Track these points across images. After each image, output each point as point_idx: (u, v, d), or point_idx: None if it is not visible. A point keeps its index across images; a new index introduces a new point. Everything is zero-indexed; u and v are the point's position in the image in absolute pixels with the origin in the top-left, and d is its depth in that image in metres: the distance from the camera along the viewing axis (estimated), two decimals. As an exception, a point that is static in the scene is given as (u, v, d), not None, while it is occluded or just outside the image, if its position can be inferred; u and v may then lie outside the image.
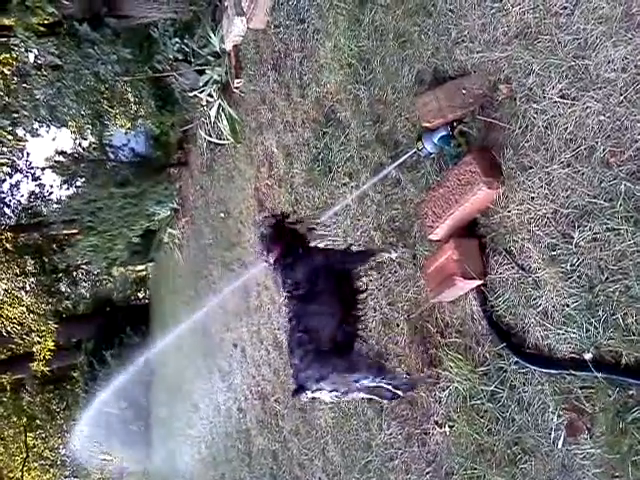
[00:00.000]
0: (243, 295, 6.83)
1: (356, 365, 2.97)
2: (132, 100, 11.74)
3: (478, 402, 2.65)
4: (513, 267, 2.50)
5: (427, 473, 3.01)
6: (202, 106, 8.00)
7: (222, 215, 8.14)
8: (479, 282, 2.66)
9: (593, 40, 2.14)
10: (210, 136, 8.05)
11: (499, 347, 2.55)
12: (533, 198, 2.39)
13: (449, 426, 2.83)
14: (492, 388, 2.57)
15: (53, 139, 13.30)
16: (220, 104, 7.23)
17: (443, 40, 2.98)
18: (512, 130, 2.48)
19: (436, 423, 2.96)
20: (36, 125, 11.66)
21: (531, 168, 2.40)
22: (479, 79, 2.69)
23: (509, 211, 2.50)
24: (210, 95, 7.63)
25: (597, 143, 2.12)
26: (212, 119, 7.63)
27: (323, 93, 4.37)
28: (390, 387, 3.07)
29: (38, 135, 12.85)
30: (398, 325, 3.42)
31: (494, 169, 2.56)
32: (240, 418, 7.01)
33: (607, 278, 2.05)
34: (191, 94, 8.15)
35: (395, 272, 3.47)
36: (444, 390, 2.92)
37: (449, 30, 2.93)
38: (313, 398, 3.00)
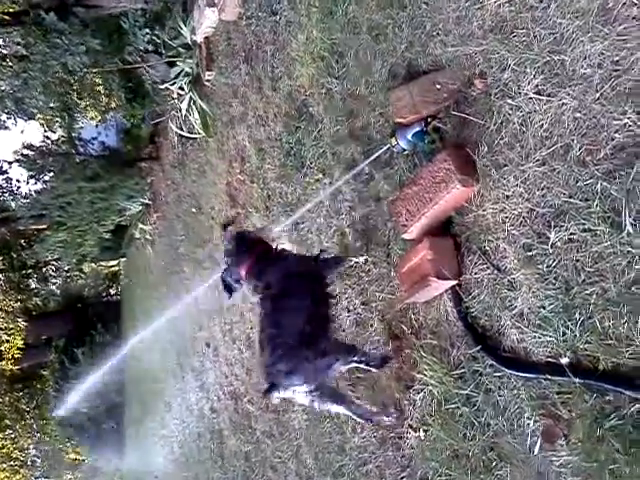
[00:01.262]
0: (215, 293, 6.70)
1: (326, 349, 2.91)
2: (102, 92, 11.48)
3: (453, 406, 2.58)
4: (488, 267, 2.43)
5: (402, 478, 2.94)
6: (173, 99, 7.83)
7: (194, 210, 7.99)
8: (454, 282, 2.59)
9: (569, 35, 2.08)
10: (181, 130, 7.89)
11: (474, 350, 2.49)
12: (508, 197, 2.33)
13: (424, 430, 2.77)
14: (467, 392, 2.51)
15: (21, 132, 12.86)
16: (191, 97, 7.06)
17: (417, 34, 2.90)
18: (487, 127, 2.41)
19: (410, 427, 2.89)
20: (3, 117, 11.33)
21: (506, 166, 2.33)
22: (454, 74, 2.62)
23: (484, 210, 2.43)
24: (181, 88, 7.46)
25: (573, 141, 2.06)
26: (183, 112, 7.46)
27: (295, 87, 4.27)
28: (362, 365, 3.08)
29: (5, 128, 12.50)
30: (372, 326, 3.34)
31: (469, 166, 2.49)
32: (213, 418, 6.90)
33: (584, 280, 2.00)
34: (162, 86, 7.97)
35: (369, 271, 3.40)
36: (419, 393, 2.85)
37: (423, 23, 2.85)
38: (284, 398, 2.93)
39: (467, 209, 2.53)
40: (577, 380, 1.97)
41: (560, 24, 2.11)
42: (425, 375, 2.77)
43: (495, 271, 2.39)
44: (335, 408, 3.07)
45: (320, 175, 3.92)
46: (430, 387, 2.74)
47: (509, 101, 2.31)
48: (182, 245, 8.89)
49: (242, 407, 5.80)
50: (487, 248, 2.44)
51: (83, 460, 19.34)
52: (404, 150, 2.96)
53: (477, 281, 2.50)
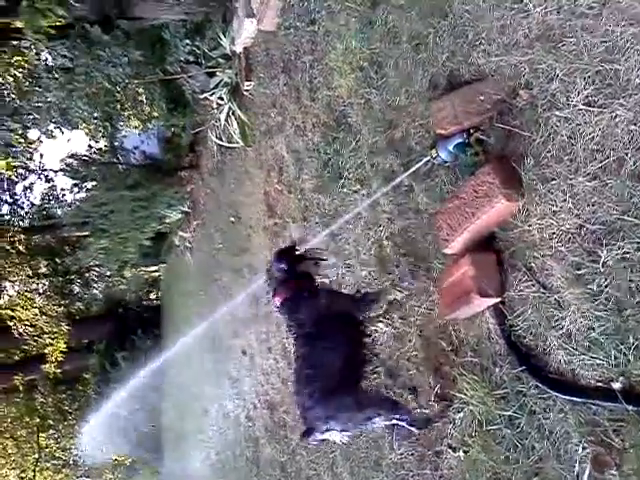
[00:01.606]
0: (252, 302, 6.71)
1: (366, 401, 2.89)
2: (144, 102, 11.68)
3: (495, 427, 2.49)
4: (534, 285, 2.34)
5: (439, 499, 2.86)
6: (213, 109, 7.89)
7: (232, 219, 8.03)
8: (497, 300, 2.50)
9: (623, 43, 1.98)
10: (220, 139, 7.94)
11: (518, 370, 2.39)
12: (556, 212, 2.23)
13: (464, 451, 2.68)
14: (510, 413, 2.41)
15: (68, 141, 13.25)
16: (230, 107, 7.11)
17: (459, 43, 2.83)
18: (533, 139, 2.32)
19: (450, 447, 2.80)
20: (51, 127, 11.66)
21: (554, 180, 2.24)
22: (497, 84, 2.54)
23: (530, 225, 2.34)
24: (221, 98, 7.52)
25: (627, 155, 1.96)
26: (222, 122, 7.52)
27: (334, 97, 4.23)
28: (404, 424, 2.98)
29: (52, 137, 12.85)
30: (410, 341, 3.26)
31: (513, 180, 2.40)
32: (249, 426, 6.88)
33: (638, 302, 1.89)
34: (202, 96, 8.05)
35: (407, 286, 3.32)
36: (459, 412, 2.76)
37: (466, 32, 2.78)
38: (322, 440, 2.92)
39: (511, 224, 2.45)
40: (630, 407, 1.87)
41: (613, 32, 2.01)
42: (465, 394, 2.68)
43: (541, 289, 2.29)
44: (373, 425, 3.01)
45: (358, 186, 3.87)
46: (471, 407, 2.65)
47: (557, 113, 2.22)
48: (220, 253, 8.94)
49: (278, 417, 5.77)
50: (532, 265, 2.35)
51: (123, 461, 19.56)
52: (445, 162, 2.89)
53: (521, 299, 2.40)
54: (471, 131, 2.71)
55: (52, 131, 11.84)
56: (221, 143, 7.93)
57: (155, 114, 11.47)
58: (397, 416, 2.97)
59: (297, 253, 3.22)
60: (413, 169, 3.09)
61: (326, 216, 4.38)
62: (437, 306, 3.01)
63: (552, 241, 2.25)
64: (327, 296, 3.19)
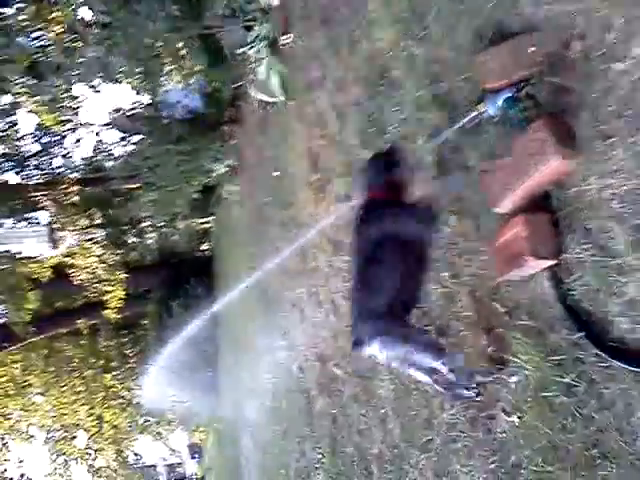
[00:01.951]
0: (300, 256, 6.71)
1: (412, 337, 2.83)
2: (184, 57, 11.55)
3: (551, 394, 2.42)
4: (592, 248, 2.21)
5: (492, 462, 2.83)
6: (251, 63, 7.73)
7: (277, 174, 7.98)
8: (552, 262, 2.39)
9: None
10: (261, 94, 7.81)
11: (577, 336, 2.30)
12: (616, 171, 2.08)
13: (518, 417, 2.63)
14: (568, 380, 2.33)
15: (115, 95, 13.31)
16: (269, 61, 6.95)
17: (506, -11, 2.62)
18: (589, 93, 2.14)
19: (503, 411, 2.76)
20: (95, 81, 11.74)
21: (613, 137, 2.08)
22: (548, 35, 2.35)
23: (588, 184, 2.20)
24: (259, 52, 7.35)
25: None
26: (261, 76, 7.37)
27: (375, 50, 4.05)
28: (446, 372, 2.88)
29: (97, 92, 12.94)
30: (461, 300, 3.19)
31: (568, 137, 2.24)
32: (300, 377, 6.99)
33: None
34: (239, 51, 7.90)
35: (457, 244, 3.23)
36: (513, 376, 2.70)
37: (514, -23, 2.56)
38: (370, 355, 2.87)
39: (567, 183, 2.30)
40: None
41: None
42: (520, 358, 2.61)
43: (600, 253, 2.17)
44: (420, 375, 2.98)
45: (403, 142, 3.73)
46: (526, 371, 2.58)
47: (615, 65, 2.03)
48: (267, 207, 8.95)
49: (329, 370, 5.83)
50: (590, 227, 2.22)
51: (181, 403, 20.39)
52: (493, 117, 2.73)
53: (579, 262, 2.29)
54: (520, 85, 2.54)
55: (96, 86, 11.96)
56: (261, 97, 7.81)
57: (196, 69, 11.36)
58: (444, 365, 2.85)
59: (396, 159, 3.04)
60: (460, 124, 2.94)
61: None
62: (489, 267, 2.91)
63: (612, 202, 2.11)
64: (407, 214, 2.98)
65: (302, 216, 6.63)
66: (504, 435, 2.75)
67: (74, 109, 13.63)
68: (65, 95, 11.55)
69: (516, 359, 2.64)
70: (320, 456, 6.03)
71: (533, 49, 2.34)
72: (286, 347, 7.78)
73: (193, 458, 36.32)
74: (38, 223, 12.85)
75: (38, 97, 10.89)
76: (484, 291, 2.98)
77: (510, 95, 2.56)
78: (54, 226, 14.48)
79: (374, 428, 4.54)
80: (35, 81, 10.03)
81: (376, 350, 2.79)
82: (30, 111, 12.64)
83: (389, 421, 4.25)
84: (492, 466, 2.83)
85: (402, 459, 3.95)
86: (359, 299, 2.89)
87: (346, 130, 4.70)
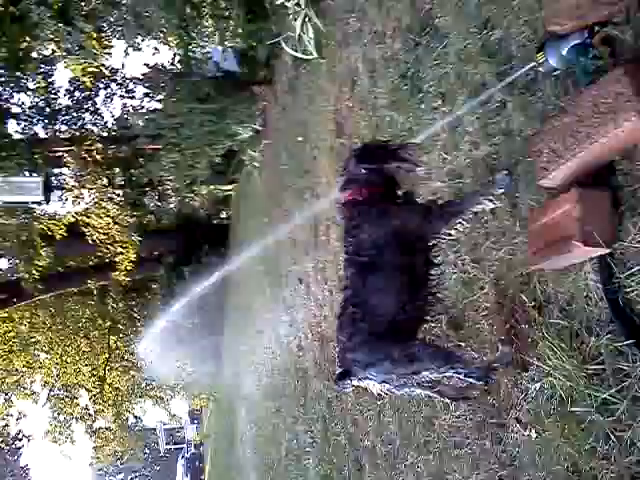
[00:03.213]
0: (312, 228, 6.31)
1: (417, 355, 2.37)
2: (221, 8, 11.05)
3: (582, 409, 1.97)
4: (662, 236, 1.75)
5: (501, 477, 2.40)
6: (289, 16, 7.23)
7: (300, 139, 7.53)
8: (605, 251, 1.92)
9: None
10: (296, 51, 7.31)
11: (624, 343, 1.84)
12: None
13: (536, 431, 2.18)
14: (606, 395, 1.88)
15: (154, 51, 12.84)
16: (307, 13, 6.45)
17: None
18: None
19: (518, 421, 2.31)
20: (127, 32, 11.33)
21: None
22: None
23: (669, 155, 1.72)
24: (298, 4, 6.84)
25: None
26: (297, 31, 6.88)
27: (421, -7, 3.55)
28: (460, 376, 2.43)
29: (129, 44, 12.52)
30: (482, 289, 2.74)
31: (654, 92, 1.76)
32: (299, 356, 6.66)
33: None
34: (278, 2, 7.38)
35: (485, 222, 2.76)
36: (534, 381, 2.25)
37: None
38: (358, 386, 2.48)
39: (641, 152, 1.83)
40: None
41: None
42: (547, 362, 2.16)
43: (673, 242, 1.71)
44: (420, 391, 2.56)
45: (439, 102, 3.25)
46: (552, 378, 2.13)
47: None
48: (285, 174, 8.53)
49: (328, 351, 5.45)
50: (664, 209, 1.75)
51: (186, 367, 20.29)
52: (554, 70, 2.24)
53: (640, 253, 1.82)
54: (596, 28, 2.05)
55: (139, 44, 11.56)
56: (296, 55, 7.31)
57: (233, 22, 10.88)
58: (452, 370, 2.42)
59: (388, 149, 2.61)
60: (510, 79, 2.46)
61: (399, 137, 3.80)
62: (521, 252, 2.45)
63: (700, 179, 1.64)
64: (403, 213, 2.53)
65: (320, 185, 6.19)
66: (517, 449, 2.31)
67: (104, 59, 13.29)
68: (94, 43, 11.15)
69: (542, 364, 2.18)
70: (311, 440, 5.73)
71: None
72: (289, 323, 7.45)
73: (193, 423, 36.68)
74: (33, 175, 12.53)
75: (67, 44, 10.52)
76: (511, 280, 2.52)
77: (580, 41, 2.07)
78: (51, 179, 14.18)
79: (369, 420, 4.14)
80: (63, 26, 9.59)
81: (366, 382, 2.42)
82: (58, 60, 12.31)
83: (386, 415, 3.86)
84: (499, 482, 2.40)
85: (396, 458, 3.57)
86: (352, 318, 2.44)
87: (377, 89, 4.23)
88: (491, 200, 2.51)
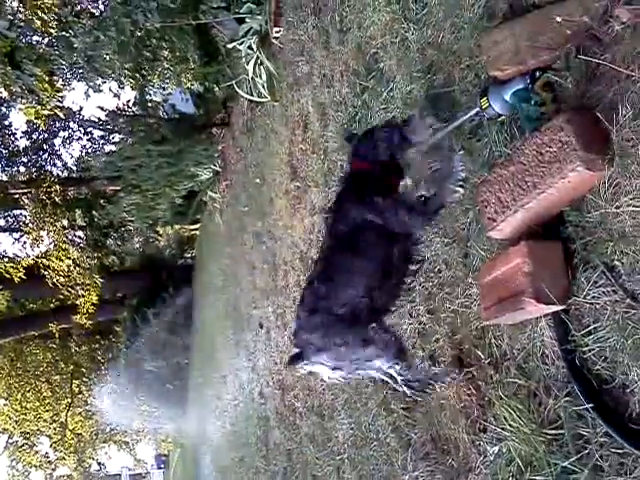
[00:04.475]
0: (270, 273, 6.15)
1: (373, 339, 2.30)
2: (176, 52, 11.03)
3: (541, 479, 1.83)
4: (616, 292, 1.64)
5: None
6: (241, 59, 7.19)
7: (257, 181, 7.42)
8: (559, 307, 1.81)
9: None
10: (250, 94, 7.25)
11: (583, 407, 1.72)
12: (661, 190, 1.52)
13: (496, 500, 2.03)
14: (565, 464, 1.74)
15: (116, 94, 12.65)
16: (258, 56, 6.41)
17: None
18: (634, 80, 1.59)
19: (479, 488, 2.16)
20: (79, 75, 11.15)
21: (661, 143, 1.52)
22: (580, 4, 1.79)
23: (618, 206, 1.63)
24: (250, 47, 6.81)
25: None
26: (250, 74, 6.83)
27: (365, 38, 3.49)
28: (400, 381, 2.41)
29: (94, 87, 12.33)
30: (437, 341, 2.61)
31: (598, 140, 1.68)
32: (261, 404, 6.44)
33: None
34: (231, 46, 7.35)
35: (439, 272, 2.65)
36: (492, 444, 2.11)
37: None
38: (310, 372, 2.48)
39: (590, 203, 1.73)
40: None
41: None
42: (504, 425, 2.02)
43: (628, 299, 1.60)
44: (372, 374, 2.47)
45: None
46: (510, 442, 1.99)
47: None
48: (245, 216, 8.38)
49: (289, 400, 5.25)
50: (616, 263, 1.64)
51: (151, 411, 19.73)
52: (499, 115, 2.17)
53: (595, 309, 1.71)
54: (537, 73, 1.99)
55: (99, 85, 11.36)
56: (250, 98, 7.26)
57: (189, 66, 10.85)
58: (397, 366, 2.38)
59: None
60: (454, 125, 2.38)
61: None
62: (475, 304, 2.33)
63: (651, 232, 1.54)
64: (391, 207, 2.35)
65: (277, 228, 6.05)
66: (477, 518, 2.14)
67: (57, 102, 13.06)
68: (46, 86, 10.91)
69: (498, 427, 2.04)
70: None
71: (560, 19, 1.78)
72: (250, 369, 7.22)
73: (159, 469, 35.45)
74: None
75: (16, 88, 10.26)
76: (466, 334, 2.40)
77: (522, 87, 2.01)
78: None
79: (329, 476, 3.93)
80: (11, 70, 9.34)
81: (318, 367, 2.38)
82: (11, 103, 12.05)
83: (345, 470, 3.66)
84: None
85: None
86: (316, 294, 2.34)
87: (328, 133, 4.15)
88: (461, 185, 2.37)
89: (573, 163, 1.66)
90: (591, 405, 1.69)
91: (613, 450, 1.62)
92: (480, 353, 2.25)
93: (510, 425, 1.99)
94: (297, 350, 2.37)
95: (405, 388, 2.47)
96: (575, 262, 1.79)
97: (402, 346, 2.49)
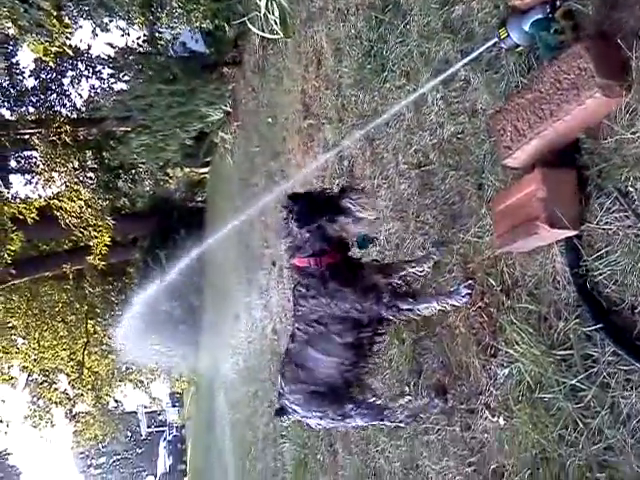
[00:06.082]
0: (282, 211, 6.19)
1: (350, 415, 2.59)
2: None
3: (550, 396, 1.92)
4: (628, 217, 1.69)
5: (470, 464, 2.36)
6: (255, -5, 7.01)
7: (269, 120, 7.37)
8: (571, 233, 1.86)
9: None
10: (262, 31, 7.10)
11: (591, 327, 1.79)
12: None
13: (505, 417, 2.14)
14: (574, 382, 1.83)
15: (119, 30, 12.42)
16: (270, -9, 6.25)
17: None
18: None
19: (487, 407, 2.27)
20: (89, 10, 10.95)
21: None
22: None
23: (634, 132, 1.65)
24: (262, -19, 6.63)
25: None
26: (263, 10, 6.67)
27: (383, -33, 3.42)
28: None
29: (97, 24, 12.15)
30: (451, 272, 2.68)
31: (616, 66, 1.69)
32: (274, 340, 6.60)
33: None
34: (244, -20, 7.17)
35: (452, 204, 2.69)
36: (503, 367, 2.20)
37: None
38: (298, 420, 2.79)
39: (607, 130, 1.75)
40: None
41: None
42: (515, 348, 2.11)
43: (639, 223, 1.65)
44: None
45: (403, 80, 3.15)
46: (520, 364, 2.09)
47: None
48: (257, 156, 8.37)
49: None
50: (630, 189, 1.68)
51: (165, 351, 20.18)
52: (517, 46, 2.17)
53: (607, 234, 1.76)
54: (558, 2, 1.97)
55: (107, 24, 11.16)
56: (262, 35, 7.12)
57: (199, 2, 10.57)
58: (384, 420, 2.70)
59: (329, 195, 2.43)
60: (472, 56, 2.37)
61: (364, 116, 3.71)
62: (488, 234, 2.38)
63: (666, 157, 1.57)
64: (355, 296, 2.41)
65: (289, 166, 6.07)
66: (485, 436, 2.27)
67: (66, 39, 12.83)
68: (54, 22, 10.70)
69: (509, 349, 2.13)
70: (286, 424, 5.67)
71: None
72: (263, 306, 7.37)
73: (174, 407, 36.60)
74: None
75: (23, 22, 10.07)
76: (478, 263, 2.46)
77: (542, 16, 1.99)
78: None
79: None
80: (20, 3, 9.12)
81: (306, 419, 2.70)
82: (19, 40, 11.85)
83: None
84: (468, 469, 2.36)
85: (369, 442, 3.52)
86: (294, 377, 2.58)
87: (342, 68, 4.11)
88: (432, 258, 2.64)
89: (591, 90, 1.67)
90: (600, 325, 1.76)
91: (620, 367, 1.70)
92: (492, 281, 2.32)
93: (520, 348, 2.08)
94: (280, 406, 2.66)
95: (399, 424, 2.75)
96: (589, 189, 1.83)
97: (380, 409, 2.68)
